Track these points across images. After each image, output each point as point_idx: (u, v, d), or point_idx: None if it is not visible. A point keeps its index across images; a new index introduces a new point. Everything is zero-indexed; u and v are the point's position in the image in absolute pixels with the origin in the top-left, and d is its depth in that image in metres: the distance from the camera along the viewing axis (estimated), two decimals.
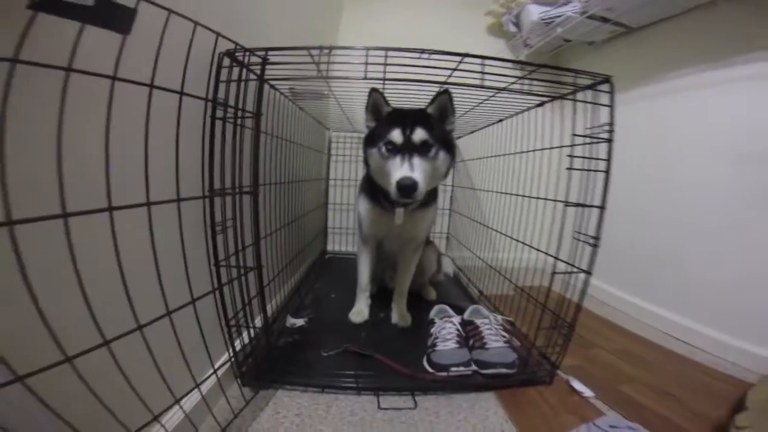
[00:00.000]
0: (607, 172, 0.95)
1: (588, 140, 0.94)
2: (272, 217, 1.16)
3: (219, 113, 0.81)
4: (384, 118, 1.08)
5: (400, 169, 0.96)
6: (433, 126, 1.04)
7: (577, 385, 1.05)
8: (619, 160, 0.90)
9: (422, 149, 1.01)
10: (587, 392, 1.03)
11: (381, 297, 1.50)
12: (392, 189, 0.97)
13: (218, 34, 0.75)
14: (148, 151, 0.61)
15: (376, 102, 1.09)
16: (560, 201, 0.99)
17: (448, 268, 1.96)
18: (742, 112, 1.24)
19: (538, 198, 1.19)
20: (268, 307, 1.11)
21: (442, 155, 1.05)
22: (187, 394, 0.78)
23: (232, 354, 0.91)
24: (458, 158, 2.18)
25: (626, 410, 0.96)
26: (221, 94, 0.83)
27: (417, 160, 0.98)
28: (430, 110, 1.07)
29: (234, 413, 0.88)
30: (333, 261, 2.16)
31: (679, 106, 1.47)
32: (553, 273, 0.98)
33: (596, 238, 0.95)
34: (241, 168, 0.86)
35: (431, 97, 1.07)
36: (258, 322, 1.01)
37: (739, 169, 1.24)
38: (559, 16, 1.66)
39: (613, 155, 0.94)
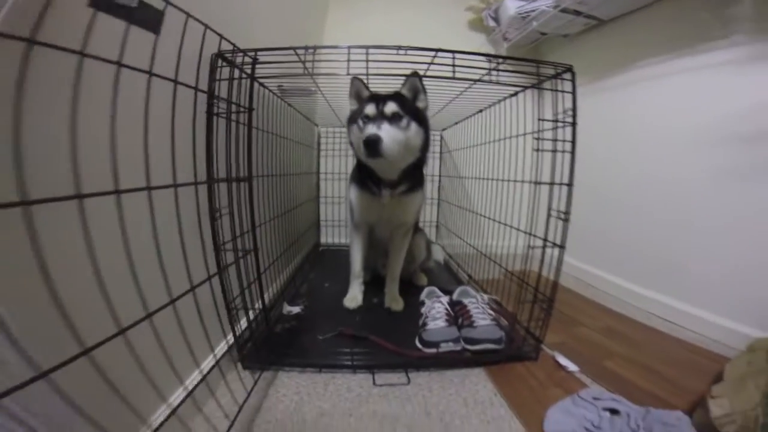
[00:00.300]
0: (572, 153, 1.01)
1: (555, 125, 1.01)
2: (266, 207, 1.21)
3: (216, 109, 0.87)
4: (363, 100, 1.18)
5: (368, 129, 1.07)
6: (405, 102, 1.14)
7: (563, 360, 1.10)
8: (595, 147, 0.97)
9: (393, 119, 1.11)
10: (572, 367, 1.08)
11: (374, 284, 1.54)
12: (362, 149, 1.07)
13: (221, 37, 0.80)
14: (148, 139, 0.64)
15: (357, 89, 1.20)
16: (532, 182, 1.06)
17: (439, 255, 2.01)
18: (706, 97, 1.31)
19: (515, 181, 1.26)
20: (265, 296, 1.15)
21: (414, 126, 1.14)
22: (203, 379, 0.82)
23: (233, 337, 0.95)
24: (445, 148, 2.24)
25: (610, 384, 1.01)
26: (221, 93, 0.89)
27: (385, 125, 1.08)
28: (403, 91, 1.17)
29: (247, 392, 0.91)
30: (326, 253, 2.21)
31: (649, 93, 1.55)
32: (530, 247, 1.04)
33: (566, 212, 1.01)
34: (237, 159, 0.90)
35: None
36: (257, 307, 1.05)
37: (707, 151, 1.30)
38: (534, 11, 1.73)
39: (577, 138, 1.01)
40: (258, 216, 1.06)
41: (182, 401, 0.80)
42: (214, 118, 0.87)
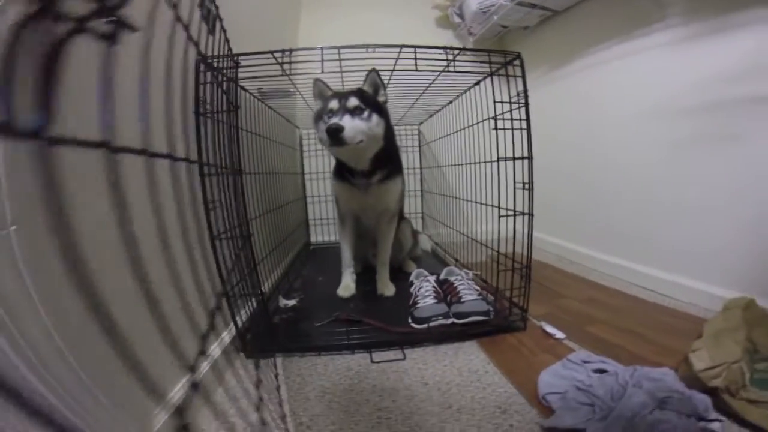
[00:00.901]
0: (528, 129, 1.10)
1: (511, 106, 1.09)
2: (255, 204, 1.23)
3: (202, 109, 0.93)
4: (327, 98, 1.24)
5: (330, 121, 1.13)
6: (366, 97, 1.21)
7: (549, 329, 1.16)
8: (561, 130, 1.05)
9: (355, 111, 1.17)
10: (559, 334, 1.14)
11: (365, 274, 1.58)
12: (326, 139, 1.13)
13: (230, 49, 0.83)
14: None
15: (320, 89, 1.28)
16: (495, 161, 1.13)
17: (426, 244, 2.06)
18: (651, 77, 1.43)
19: (483, 162, 1.33)
20: (263, 286, 1.18)
21: (375, 117, 1.21)
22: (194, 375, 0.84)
23: (234, 327, 0.98)
24: (423, 141, 2.30)
25: (596, 347, 1.06)
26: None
27: (347, 117, 1.15)
28: (365, 87, 1.25)
29: (275, 379, 0.95)
30: (317, 251, 2.23)
31: (600, 76, 1.68)
32: (500, 217, 1.13)
33: (529, 182, 1.09)
34: (226, 156, 0.94)
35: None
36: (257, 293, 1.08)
37: (657, 125, 1.43)
38: (494, 5, 1.84)
39: (544, 123, 1.17)
40: (249, 211, 1.10)
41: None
42: (201, 118, 0.92)
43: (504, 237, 1.19)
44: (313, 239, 2.37)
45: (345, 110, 1.16)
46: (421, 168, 2.35)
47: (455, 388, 0.91)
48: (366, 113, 1.18)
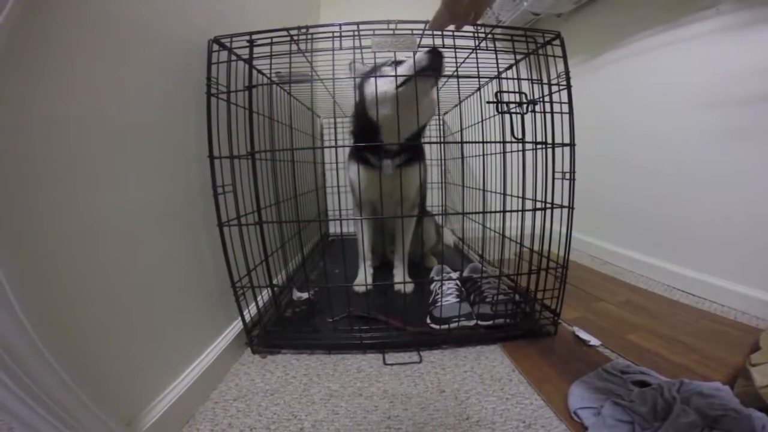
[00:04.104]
0: (570, 114, 0.98)
1: (551, 89, 0.97)
2: (269, 191, 1.17)
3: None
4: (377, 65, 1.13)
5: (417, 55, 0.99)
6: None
7: (583, 335, 1.05)
8: (599, 119, 0.93)
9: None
10: (593, 341, 1.03)
11: (383, 269, 1.51)
12: (421, 62, 0.99)
13: None
14: None
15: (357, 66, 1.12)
16: (539, 146, 1.00)
17: (449, 239, 1.96)
18: (702, 64, 1.30)
19: (514, 151, 1.18)
20: (274, 280, 1.12)
21: (434, 93, 1.11)
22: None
23: (241, 320, 0.93)
24: (448, 132, 2.20)
25: (635, 357, 0.95)
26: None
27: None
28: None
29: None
30: (336, 242, 2.18)
31: (643, 66, 1.54)
32: (534, 210, 1.00)
33: (570, 172, 0.97)
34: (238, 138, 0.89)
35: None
36: (265, 293, 1.03)
37: (707, 116, 1.29)
38: None
39: (578, 118, 0.99)
40: (263, 198, 1.04)
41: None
42: (214, 99, 0.89)
43: (534, 233, 1.08)
44: (331, 230, 2.32)
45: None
46: (444, 159, 2.24)
47: (475, 397, 0.83)
48: (433, 79, 1.06)
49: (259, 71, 1.12)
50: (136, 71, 0.69)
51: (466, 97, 1.67)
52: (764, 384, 0.72)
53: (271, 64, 0.96)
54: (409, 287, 1.34)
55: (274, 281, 1.09)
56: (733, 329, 1.10)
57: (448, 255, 1.82)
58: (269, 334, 1.02)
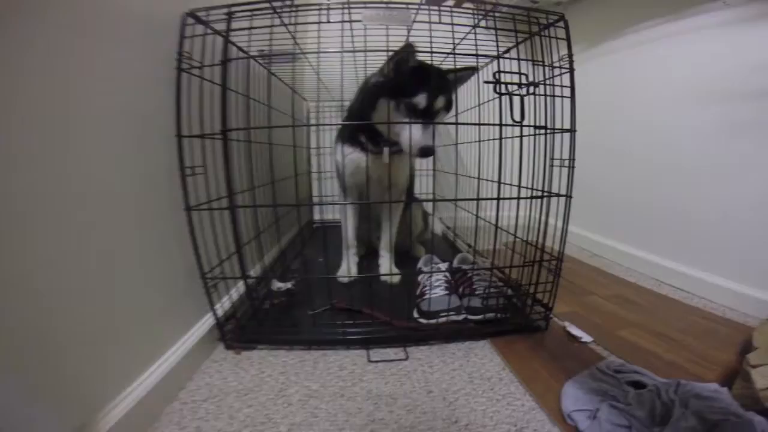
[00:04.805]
0: (572, 98, 0.92)
1: (552, 71, 0.92)
2: (247, 174, 1.08)
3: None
4: (408, 72, 1.03)
5: (421, 135, 1.00)
6: (451, 92, 1.08)
7: (575, 330, 1.01)
8: (596, 115, 0.88)
9: (438, 114, 1.06)
10: (586, 337, 0.99)
11: (369, 258, 1.45)
12: (411, 150, 1.02)
13: None
14: None
15: (402, 58, 1.01)
16: (539, 132, 0.94)
17: (437, 228, 1.91)
18: (699, 59, 1.27)
19: (512, 137, 1.12)
20: (252, 271, 1.05)
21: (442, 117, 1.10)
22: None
23: (212, 313, 0.86)
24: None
25: (628, 355, 0.92)
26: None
27: (434, 128, 1.02)
28: (449, 75, 1.09)
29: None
30: (320, 229, 2.10)
31: (644, 58, 1.49)
32: (531, 198, 0.94)
33: (570, 159, 0.92)
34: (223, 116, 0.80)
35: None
36: (241, 284, 0.95)
37: (709, 113, 1.25)
38: None
39: (576, 107, 0.93)
40: (238, 182, 0.95)
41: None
42: (186, 76, 0.81)
43: (529, 224, 1.02)
44: (317, 217, 2.24)
45: (432, 115, 1.03)
46: (435, 146, 2.18)
47: (464, 398, 0.78)
48: (443, 114, 1.08)
49: (237, 47, 1.02)
50: (99, 45, 0.61)
51: (463, 82, 1.59)
52: (765, 386, 0.69)
53: (250, 38, 0.87)
54: (396, 278, 1.28)
55: (251, 272, 1.02)
56: (723, 326, 1.08)
57: (435, 243, 1.77)
58: (244, 329, 0.95)
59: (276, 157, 1.43)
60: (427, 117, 1.01)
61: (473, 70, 1.06)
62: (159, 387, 0.73)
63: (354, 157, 1.18)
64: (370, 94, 1.11)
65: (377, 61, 1.06)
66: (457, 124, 0.96)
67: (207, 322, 0.92)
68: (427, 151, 1.00)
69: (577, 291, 1.31)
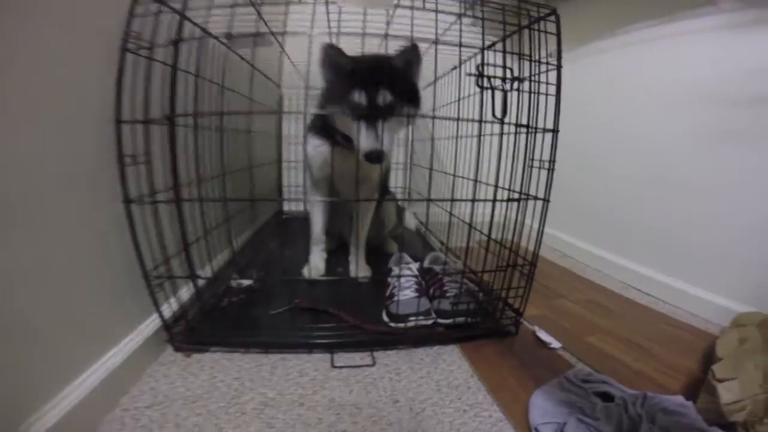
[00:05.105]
0: (557, 96, 0.87)
1: (539, 68, 0.87)
2: (194, 163, 0.98)
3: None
4: (344, 73, 0.94)
5: (366, 138, 0.89)
6: (399, 82, 0.94)
7: (544, 336, 0.99)
8: (577, 114, 0.85)
9: (388, 111, 0.92)
10: (555, 343, 0.97)
11: (339, 253, 1.39)
12: (359, 155, 0.91)
13: None
14: None
15: (331, 58, 0.93)
16: (517, 124, 0.88)
17: (411, 222, 1.86)
18: (698, 61, 1.23)
19: (491, 135, 1.07)
20: (208, 268, 0.97)
21: (407, 110, 0.97)
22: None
23: (158, 313, 0.78)
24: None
25: (596, 361, 0.91)
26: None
27: (383, 126, 0.90)
28: (395, 62, 0.95)
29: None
30: (289, 221, 2.02)
31: (632, 59, 1.47)
32: (508, 200, 0.90)
33: (550, 161, 0.88)
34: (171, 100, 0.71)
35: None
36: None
37: (691, 116, 1.23)
38: None
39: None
40: (191, 172, 0.87)
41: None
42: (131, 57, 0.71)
43: (503, 225, 0.99)
44: (286, 207, 2.15)
45: (377, 113, 0.90)
46: (411, 140, 2.12)
47: (430, 409, 0.74)
48: (399, 110, 0.94)
49: (194, 24, 0.93)
50: (22, 23, 0.52)
51: (444, 75, 1.53)
52: (730, 401, 0.69)
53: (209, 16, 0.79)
54: (367, 273, 1.24)
55: (207, 268, 0.94)
56: (686, 333, 1.09)
57: (408, 240, 1.72)
58: (195, 330, 0.88)
59: (241, 146, 1.34)
60: (376, 115, 0.90)
61: (414, 47, 0.93)
62: (97, 392, 0.66)
63: (323, 150, 1.10)
64: (320, 104, 1.02)
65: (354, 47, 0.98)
66: (434, 117, 0.90)
67: (154, 322, 0.84)
68: (374, 156, 0.89)
69: (548, 294, 1.30)
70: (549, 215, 0.90)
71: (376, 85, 0.91)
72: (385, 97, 0.91)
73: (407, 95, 0.96)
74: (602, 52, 1.60)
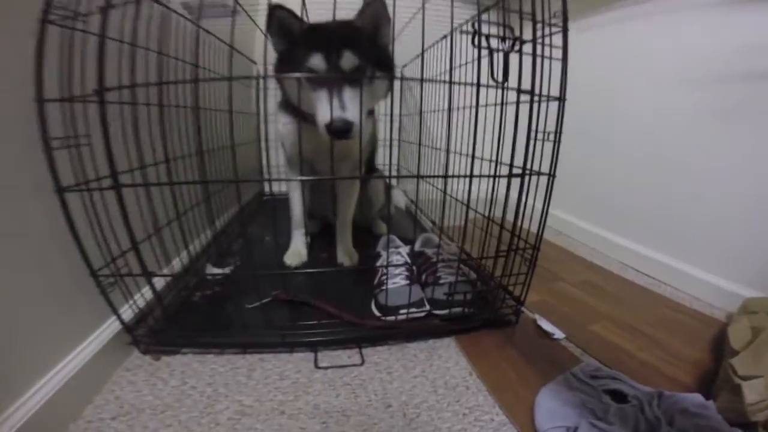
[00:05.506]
0: (564, 61, 0.75)
1: (543, 30, 0.74)
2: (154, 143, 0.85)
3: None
4: (299, 39, 0.81)
5: (328, 108, 0.75)
6: (365, 44, 0.81)
7: (546, 325, 0.92)
8: (573, 90, 0.75)
9: (356, 76, 0.79)
10: (558, 334, 0.90)
11: (324, 236, 1.30)
12: (321, 129, 0.78)
13: None
14: None
15: (281, 21, 0.79)
16: (518, 90, 0.75)
17: (400, 201, 1.76)
18: (693, 37, 1.14)
19: (498, 86, 0.93)
20: (175, 262, 0.87)
21: (378, 82, 0.85)
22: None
23: (115, 314, 0.68)
24: (406, 86, 1.93)
25: (601, 353, 0.84)
26: None
27: (349, 94, 0.76)
28: (359, 23, 0.83)
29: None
30: (271, 203, 1.90)
31: (632, 33, 1.35)
32: (510, 175, 0.79)
33: (556, 132, 0.78)
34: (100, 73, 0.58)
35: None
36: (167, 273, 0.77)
37: (694, 93, 1.14)
38: None
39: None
40: (150, 154, 0.75)
41: None
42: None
43: (487, 199, 0.89)
44: (267, 188, 2.03)
45: (341, 81, 0.76)
46: (400, 115, 2.00)
47: (426, 413, 0.67)
48: (368, 75, 0.81)
49: (164, 5, 0.78)
50: None
51: (434, 44, 1.40)
52: (754, 401, 0.62)
53: None
54: (353, 259, 1.15)
55: (173, 262, 0.84)
56: (689, 318, 1.03)
57: (398, 220, 1.63)
58: (160, 332, 0.78)
59: (216, 126, 1.20)
60: (338, 82, 0.76)
61: (377, 1, 0.78)
62: (55, 402, 0.59)
63: (293, 127, 0.97)
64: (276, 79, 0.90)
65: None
66: (422, 80, 0.77)
67: (114, 324, 0.74)
68: (339, 128, 0.75)
69: (546, 276, 1.23)
70: (540, 190, 0.80)
71: (338, 48, 0.77)
72: (349, 59, 0.78)
73: (376, 59, 0.83)
74: (603, 25, 1.47)
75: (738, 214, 1.05)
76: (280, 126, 1.03)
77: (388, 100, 1.01)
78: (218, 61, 1.10)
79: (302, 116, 0.90)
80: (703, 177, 1.12)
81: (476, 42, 0.69)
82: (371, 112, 1.08)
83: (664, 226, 1.25)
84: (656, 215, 1.27)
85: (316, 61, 0.77)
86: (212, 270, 1.04)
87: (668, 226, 1.24)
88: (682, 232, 1.19)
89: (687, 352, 0.87)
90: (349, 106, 0.75)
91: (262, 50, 0.69)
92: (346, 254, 1.16)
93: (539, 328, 0.92)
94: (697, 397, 0.66)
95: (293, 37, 0.81)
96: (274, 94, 1.81)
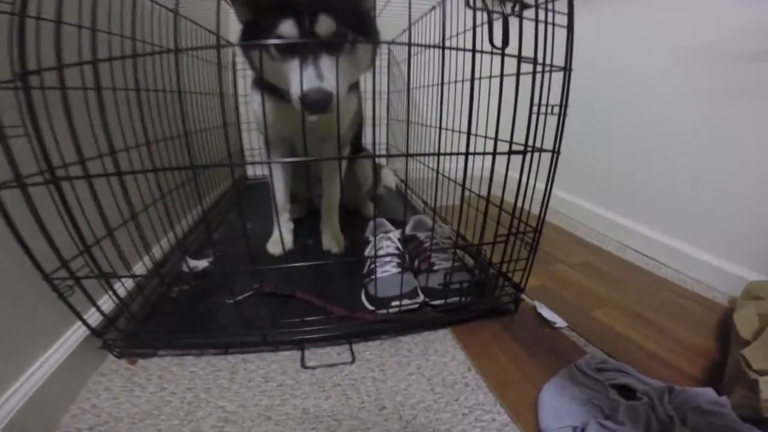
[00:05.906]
0: (569, 28, 0.68)
1: None
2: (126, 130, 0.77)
3: None
4: (266, 6, 0.71)
5: (298, 78, 0.64)
6: (344, 7, 0.71)
7: (546, 313, 0.88)
8: (578, 61, 0.68)
9: (332, 45, 0.69)
10: (559, 322, 0.86)
11: (310, 220, 1.22)
12: (295, 103, 0.68)
13: None
14: None
15: None
16: (519, 57, 0.65)
17: (390, 181, 1.69)
18: (697, 9, 1.07)
19: (497, 52, 0.88)
20: (147, 257, 0.79)
21: (361, 45, 0.76)
22: None
23: (77, 316, 0.61)
24: (394, 61, 1.83)
25: (605, 343, 0.80)
26: None
27: (326, 62, 0.67)
28: None
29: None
30: (255, 187, 1.82)
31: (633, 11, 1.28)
32: (510, 152, 0.71)
33: (561, 105, 0.71)
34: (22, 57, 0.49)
35: None
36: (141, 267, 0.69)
37: (693, 71, 1.09)
38: None
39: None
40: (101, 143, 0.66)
41: None
42: None
43: (480, 176, 0.81)
44: (250, 172, 1.95)
45: (316, 46, 0.67)
46: (388, 92, 1.91)
47: (423, 415, 0.62)
48: (348, 41, 0.72)
49: None
50: None
51: (422, 16, 1.31)
52: None
53: None
54: (340, 245, 1.09)
55: (145, 256, 0.77)
56: (693, 303, 0.99)
57: (388, 201, 1.57)
58: (134, 335, 0.72)
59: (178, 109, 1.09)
60: (313, 50, 0.66)
61: None
62: (24, 415, 0.54)
63: (269, 106, 0.88)
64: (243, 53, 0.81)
65: None
66: (409, 45, 0.67)
67: (82, 328, 0.68)
68: (317, 102, 0.66)
69: (545, 258, 1.18)
70: (540, 169, 0.74)
71: (312, 11, 0.67)
72: (326, 23, 0.68)
73: (357, 24, 0.74)
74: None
75: (742, 192, 1.00)
76: (255, 106, 0.94)
77: (377, 78, 0.92)
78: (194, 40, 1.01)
79: (279, 94, 0.81)
80: (706, 154, 1.07)
81: (471, 2, 0.60)
82: (355, 86, 0.99)
83: (665, 205, 1.20)
84: (657, 194, 1.23)
85: (287, 28, 0.67)
86: (191, 263, 0.97)
87: (668, 205, 1.19)
88: (682, 211, 1.15)
89: (692, 340, 0.83)
90: (327, 74, 0.66)
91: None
92: (333, 240, 1.10)
93: (539, 316, 0.88)
94: (709, 392, 0.62)
95: (260, 3, 0.71)
96: (251, 74, 1.71)
